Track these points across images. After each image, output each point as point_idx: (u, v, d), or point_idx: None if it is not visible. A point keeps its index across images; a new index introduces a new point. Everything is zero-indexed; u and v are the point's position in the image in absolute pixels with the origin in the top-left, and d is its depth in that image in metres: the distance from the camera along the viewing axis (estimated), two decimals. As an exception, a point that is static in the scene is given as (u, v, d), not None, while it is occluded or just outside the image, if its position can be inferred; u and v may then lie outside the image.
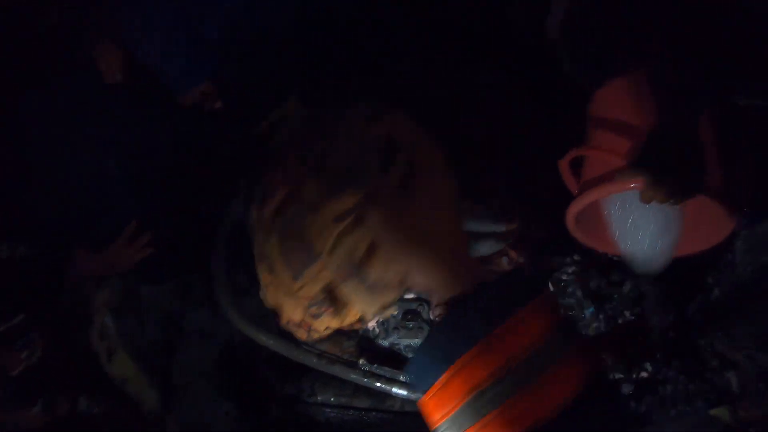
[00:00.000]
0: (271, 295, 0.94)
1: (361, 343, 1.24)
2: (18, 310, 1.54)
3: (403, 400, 1.27)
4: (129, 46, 1.31)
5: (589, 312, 1.27)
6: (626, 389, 1.38)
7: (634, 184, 1.03)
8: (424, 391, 0.63)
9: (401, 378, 1.21)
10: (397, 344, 1.23)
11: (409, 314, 1.19)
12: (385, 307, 0.79)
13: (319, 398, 1.30)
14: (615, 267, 1.34)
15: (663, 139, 1.05)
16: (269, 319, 1.22)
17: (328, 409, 1.28)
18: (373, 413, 1.27)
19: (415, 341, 1.22)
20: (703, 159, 1.07)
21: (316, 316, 0.94)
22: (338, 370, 1.24)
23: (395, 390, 1.21)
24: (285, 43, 1.35)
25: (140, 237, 1.48)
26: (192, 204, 1.50)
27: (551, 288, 1.28)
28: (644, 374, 1.38)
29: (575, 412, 0.58)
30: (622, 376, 1.34)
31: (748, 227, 1.49)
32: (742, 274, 1.50)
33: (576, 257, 1.32)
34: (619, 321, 1.31)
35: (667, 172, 1.00)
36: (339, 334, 1.23)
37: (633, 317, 1.32)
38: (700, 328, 1.51)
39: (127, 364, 1.74)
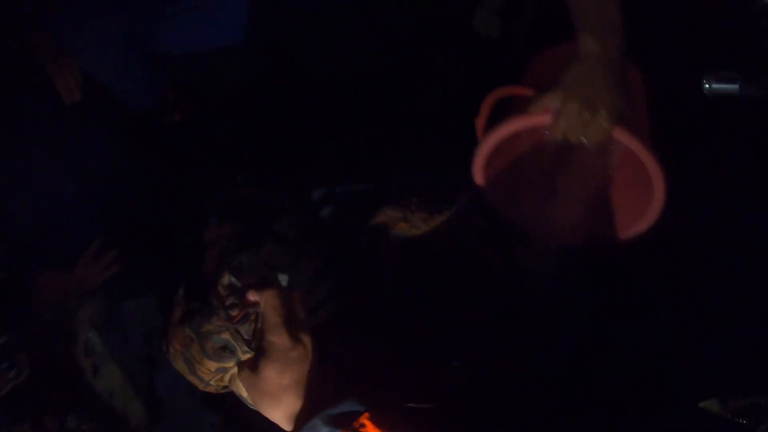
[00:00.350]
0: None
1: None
2: (1, 331, 1.55)
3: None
4: (83, 64, 1.29)
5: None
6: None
7: (546, 115, 0.98)
8: None
9: None
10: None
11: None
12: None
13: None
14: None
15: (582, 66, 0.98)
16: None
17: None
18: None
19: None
20: (628, 101, 1.00)
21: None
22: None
23: None
24: (242, 58, 1.32)
25: (105, 254, 1.47)
26: (158, 216, 1.48)
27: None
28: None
29: None
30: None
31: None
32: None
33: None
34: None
35: (583, 103, 0.94)
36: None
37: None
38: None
39: (113, 377, 1.75)
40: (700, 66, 1.17)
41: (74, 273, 1.49)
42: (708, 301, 1.35)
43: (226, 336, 0.89)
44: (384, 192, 1.06)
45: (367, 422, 0.73)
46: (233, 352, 0.88)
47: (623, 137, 0.99)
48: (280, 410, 0.79)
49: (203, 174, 1.42)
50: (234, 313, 0.88)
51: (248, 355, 0.88)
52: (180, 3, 1.26)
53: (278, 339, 0.81)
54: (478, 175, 1.14)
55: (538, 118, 0.99)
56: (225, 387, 0.94)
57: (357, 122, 1.39)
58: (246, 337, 0.88)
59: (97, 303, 1.72)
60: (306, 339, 0.84)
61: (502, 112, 1.14)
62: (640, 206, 1.18)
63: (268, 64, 1.39)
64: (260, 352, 0.83)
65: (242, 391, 0.89)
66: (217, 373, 0.89)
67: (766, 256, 1.32)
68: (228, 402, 1.65)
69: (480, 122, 1.13)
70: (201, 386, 0.94)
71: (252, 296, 0.87)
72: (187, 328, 0.89)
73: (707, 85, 1.12)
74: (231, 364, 0.90)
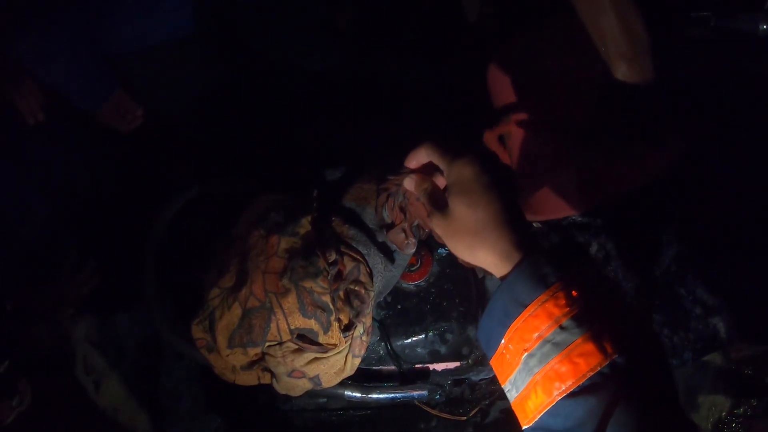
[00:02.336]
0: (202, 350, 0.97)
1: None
2: (1, 358, 1.54)
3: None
4: (32, 69, 1.27)
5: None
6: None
7: None
8: (491, 355, 0.70)
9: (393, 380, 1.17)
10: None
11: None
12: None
13: (295, 404, 1.28)
14: (577, 229, 1.29)
15: None
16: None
17: (306, 414, 1.26)
18: (351, 412, 1.25)
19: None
20: None
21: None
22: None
23: (400, 394, 1.16)
24: (192, 50, 1.30)
25: (84, 268, 1.45)
26: (130, 222, 1.45)
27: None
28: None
29: None
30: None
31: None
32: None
33: (536, 224, 1.27)
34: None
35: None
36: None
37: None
38: (678, 278, 1.46)
39: (115, 392, 1.75)
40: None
41: (57, 289, 1.47)
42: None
43: (326, 299, 0.90)
44: (358, 172, 1.04)
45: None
46: (328, 315, 0.89)
47: None
48: (485, 249, 0.69)
49: (173, 172, 1.40)
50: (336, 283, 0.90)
51: (336, 324, 0.90)
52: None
53: (460, 171, 0.72)
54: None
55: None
56: (257, 365, 0.92)
57: (321, 110, 1.37)
58: (338, 311, 0.90)
59: (90, 320, 1.71)
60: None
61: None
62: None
63: (220, 54, 1.37)
64: (447, 194, 0.74)
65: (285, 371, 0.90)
66: (290, 335, 0.89)
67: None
68: (232, 404, 1.66)
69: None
70: (238, 355, 0.92)
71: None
72: (286, 279, 0.89)
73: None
74: (316, 327, 0.89)
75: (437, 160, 0.78)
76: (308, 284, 0.89)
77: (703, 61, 1.30)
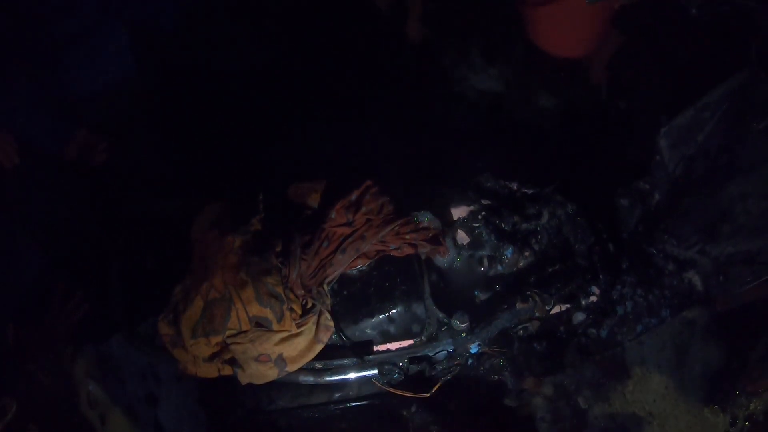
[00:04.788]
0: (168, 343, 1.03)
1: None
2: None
3: (360, 383, 1.27)
4: None
5: (508, 253, 1.25)
6: (580, 317, 1.35)
7: None
8: None
9: (349, 362, 1.20)
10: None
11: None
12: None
13: (278, 404, 1.31)
14: (528, 201, 1.32)
15: None
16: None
17: (289, 413, 1.29)
18: (332, 406, 1.28)
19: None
20: None
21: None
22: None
23: (352, 375, 1.20)
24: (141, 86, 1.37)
25: (71, 299, 1.49)
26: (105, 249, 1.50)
27: (467, 238, 1.26)
28: (593, 298, 1.35)
29: None
30: (568, 305, 1.32)
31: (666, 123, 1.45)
32: (673, 172, 1.46)
33: (484, 201, 1.30)
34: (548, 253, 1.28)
35: None
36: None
37: (558, 245, 1.29)
38: (646, 237, 1.47)
39: (120, 423, 1.78)
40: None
41: (46, 323, 1.51)
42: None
43: (279, 290, 1.03)
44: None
45: None
46: (281, 304, 1.01)
47: None
48: None
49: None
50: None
51: (288, 313, 1.01)
52: (61, 40, 1.31)
53: None
54: None
55: None
56: (218, 357, 0.99)
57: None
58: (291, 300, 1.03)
59: (89, 354, 1.76)
60: None
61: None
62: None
63: (161, 87, 1.44)
64: None
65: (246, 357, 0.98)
66: (249, 325, 1.01)
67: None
68: (234, 422, 1.69)
69: None
70: (202, 345, 1.02)
71: None
72: (243, 273, 1.02)
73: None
74: (271, 316, 1.00)
75: None
76: (263, 277, 0.95)
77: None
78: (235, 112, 1.50)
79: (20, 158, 1.41)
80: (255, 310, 0.96)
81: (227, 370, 1.03)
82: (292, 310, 0.96)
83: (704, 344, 1.60)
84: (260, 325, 0.96)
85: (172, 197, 1.24)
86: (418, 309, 1.13)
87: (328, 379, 1.14)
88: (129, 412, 1.77)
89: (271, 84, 1.54)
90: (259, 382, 1.03)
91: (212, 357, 1.00)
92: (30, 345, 1.51)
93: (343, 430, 1.30)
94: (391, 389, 1.14)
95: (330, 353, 1.16)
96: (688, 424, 1.55)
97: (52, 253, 1.44)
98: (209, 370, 1.02)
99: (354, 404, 1.28)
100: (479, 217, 1.25)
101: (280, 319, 0.96)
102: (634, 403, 1.68)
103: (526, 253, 1.26)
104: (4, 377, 1.57)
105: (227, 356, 1.00)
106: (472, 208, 1.28)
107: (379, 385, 1.14)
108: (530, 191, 1.29)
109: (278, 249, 0.99)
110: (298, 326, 0.98)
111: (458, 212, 1.27)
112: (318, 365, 1.17)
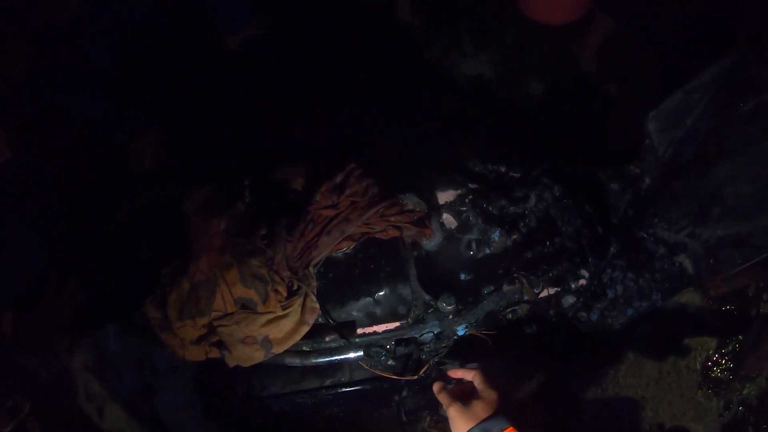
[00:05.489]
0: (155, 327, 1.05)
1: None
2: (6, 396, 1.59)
3: (351, 367, 1.28)
4: None
5: (495, 236, 1.26)
6: (570, 300, 1.35)
7: None
8: None
9: (336, 344, 1.21)
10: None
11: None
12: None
13: (271, 390, 1.31)
14: (516, 184, 1.32)
15: None
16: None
17: (281, 399, 1.30)
18: (324, 391, 1.29)
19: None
20: None
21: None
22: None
23: (338, 357, 1.21)
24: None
25: (65, 287, 1.50)
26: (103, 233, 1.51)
27: (454, 222, 1.26)
28: (582, 282, 1.35)
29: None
30: (558, 289, 1.32)
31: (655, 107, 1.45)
32: (663, 156, 1.46)
33: (471, 185, 1.30)
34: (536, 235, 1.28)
35: None
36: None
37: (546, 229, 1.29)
38: (637, 221, 1.48)
39: (117, 415, 1.80)
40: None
41: (41, 311, 1.51)
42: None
43: (263, 271, 1.03)
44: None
45: None
46: (265, 285, 1.01)
47: None
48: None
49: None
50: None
51: (273, 295, 1.02)
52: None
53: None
54: None
55: None
56: (205, 340, 1.00)
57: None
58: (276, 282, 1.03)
59: (85, 347, 1.77)
60: None
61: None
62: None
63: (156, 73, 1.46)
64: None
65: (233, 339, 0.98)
66: (235, 306, 1.01)
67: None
68: (228, 409, 1.70)
69: None
70: (189, 328, 1.03)
71: None
72: (228, 255, 1.02)
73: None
74: (256, 297, 1.01)
75: (478, 384, 1.07)
76: (247, 259, 0.96)
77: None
78: (222, 99, 1.51)
79: (12, 152, 1.42)
80: (240, 291, 0.97)
81: (214, 353, 1.03)
82: (277, 291, 0.97)
83: (698, 330, 1.60)
84: (246, 307, 0.97)
85: (165, 185, 1.25)
86: (404, 291, 1.13)
87: (314, 361, 1.15)
88: (126, 404, 1.78)
89: (258, 69, 1.55)
90: (246, 364, 1.04)
91: (199, 339, 1.01)
92: (26, 334, 1.52)
93: (335, 415, 1.31)
94: (378, 372, 1.15)
95: (316, 335, 1.17)
96: (682, 409, 1.56)
97: (46, 243, 1.45)
98: (197, 353, 1.03)
99: (346, 389, 1.29)
100: (466, 200, 1.26)
101: (265, 300, 0.97)
102: (627, 387, 1.69)
103: (514, 236, 1.26)
104: (7, 373, 1.58)
105: (214, 339, 1.00)
106: (459, 191, 1.28)
107: (366, 367, 1.15)
108: (518, 174, 1.29)
109: (263, 232, 1.00)
110: (284, 308, 0.99)
111: (445, 196, 1.27)
112: (305, 347, 1.18)
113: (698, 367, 1.57)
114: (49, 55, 1.36)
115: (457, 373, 1.11)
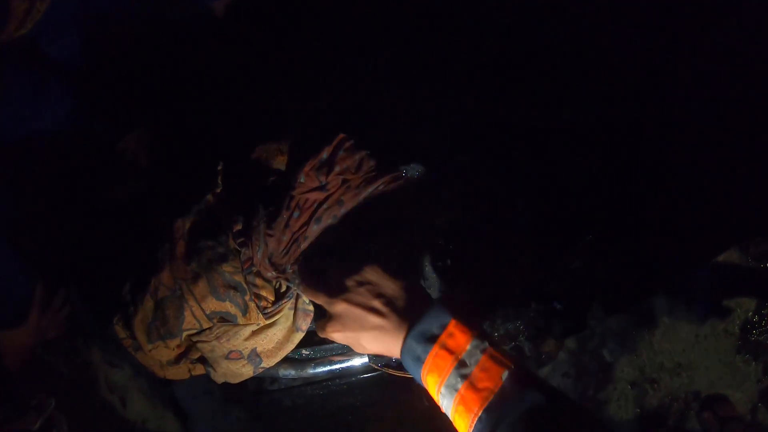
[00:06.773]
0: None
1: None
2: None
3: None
4: None
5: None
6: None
7: None
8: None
9: (340, 349, 1.13)
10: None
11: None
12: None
13: (280, 382, 1.27)
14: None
15: None
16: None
17: (292, 391, 1.25)
18: (337, 381, 1.23)
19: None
20: None
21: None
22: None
23: (339, 366, 1.13)
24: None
25: (54, 299, 1.45)
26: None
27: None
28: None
29: None
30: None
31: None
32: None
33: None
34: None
35: None
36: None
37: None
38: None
39: (140, 404, 1.81)
40: None
41: (30, 325, 1.45)
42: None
43: (238, 278, 0.87)
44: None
45: (454, 330, 0.75)
46: (242, 295, 0.86)
47: None
48: (372, 352, 0.81)
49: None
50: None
51: (253, 304, 0.86)
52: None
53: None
54: None
55: None
56: (184, 358, 0.88)
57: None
58: (256, 288, 0.86)
59: (102, 341, 1.76)
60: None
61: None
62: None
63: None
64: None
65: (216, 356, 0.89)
66: (210, 322, 0.86)
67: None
68: (247, 395, 1.68)
69: None
70: (162, 349, 0.90)
71: None
72: (194, 264, 0.86)
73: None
74: (233, 309, 0.86)
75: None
76: (217, 266, 0.85)
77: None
78: (215, 77, 1.37)
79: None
80: (212, 305, 0.84)
81: (199, 369, 0.94)
82: (260, 297, 0.85)
83: (738, 290, 1.49)
84: (224, 319, 0.87)
85: (138, 180, 1.16)
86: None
87: (312, 372, 1.06)
88: (146, 393, 1.79)
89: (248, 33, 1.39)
90: (235, 381, 0.93)
91: (178, 358, 0.92)
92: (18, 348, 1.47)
93: (350, 405, 1.26)
94: (391, 371, 1.08)
95: (312, 340, 1.06)
96: (719, 374, 1.46)
97: (25, 253, 1.39)
98: (179, 372, 0.94)
99: (358, 380, 1.23)
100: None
101: (245, 311, 0.86)
102: (662, 353, 1.60)
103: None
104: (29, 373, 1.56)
105: (195, 356, 0.91)
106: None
107: (376, 367, 1.07)
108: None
109: (238, 227, 0.86)
110: (271, 316, 0.87)
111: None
112: (305, 352, 1.09)
113: (737, 330, 1.46)
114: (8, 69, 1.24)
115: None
